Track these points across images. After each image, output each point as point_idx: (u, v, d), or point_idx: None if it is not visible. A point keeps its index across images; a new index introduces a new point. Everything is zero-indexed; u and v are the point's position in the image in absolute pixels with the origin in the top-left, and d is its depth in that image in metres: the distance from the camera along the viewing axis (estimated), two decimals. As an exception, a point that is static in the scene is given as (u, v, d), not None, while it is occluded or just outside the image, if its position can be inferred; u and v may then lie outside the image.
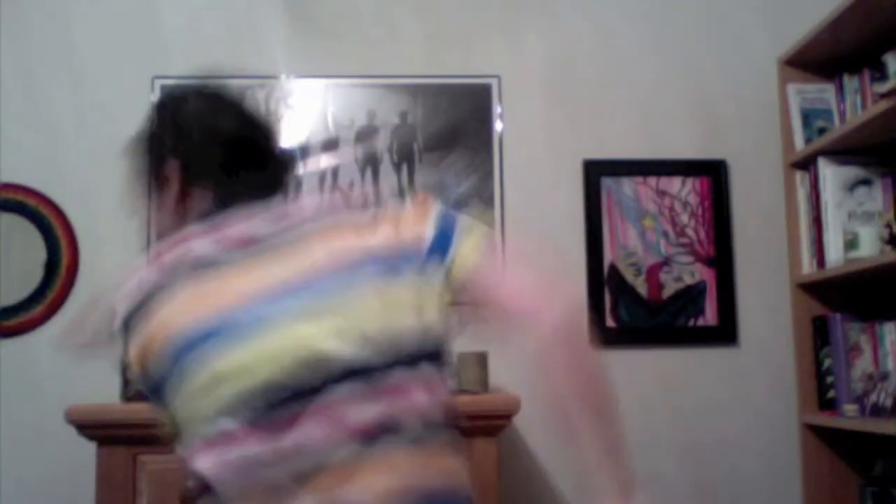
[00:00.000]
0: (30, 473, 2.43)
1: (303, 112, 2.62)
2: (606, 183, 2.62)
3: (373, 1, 2.69)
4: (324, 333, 1.04)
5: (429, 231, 1.14)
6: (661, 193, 2.63)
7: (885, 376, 2.27)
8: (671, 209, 2.63)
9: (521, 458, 2.51)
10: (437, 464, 1.06)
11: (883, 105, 2.14)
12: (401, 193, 2.58)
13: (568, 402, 1.09)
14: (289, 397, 1.02)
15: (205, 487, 1.04)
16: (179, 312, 1.06)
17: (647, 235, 2.61)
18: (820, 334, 2.50)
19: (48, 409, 2.33)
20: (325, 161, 2.60)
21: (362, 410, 1.02)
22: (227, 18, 2.66)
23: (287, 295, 1.06)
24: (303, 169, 2.58)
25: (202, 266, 1.09)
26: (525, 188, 2.62)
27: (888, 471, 2.37)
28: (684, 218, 2.63)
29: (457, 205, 2.58)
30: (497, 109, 2.64)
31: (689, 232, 2.63)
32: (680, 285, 2.60)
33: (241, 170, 1.18)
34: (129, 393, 2.20)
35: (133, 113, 2.59)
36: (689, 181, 2.65)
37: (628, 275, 2.58)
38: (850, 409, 2.31)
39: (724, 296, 2.60)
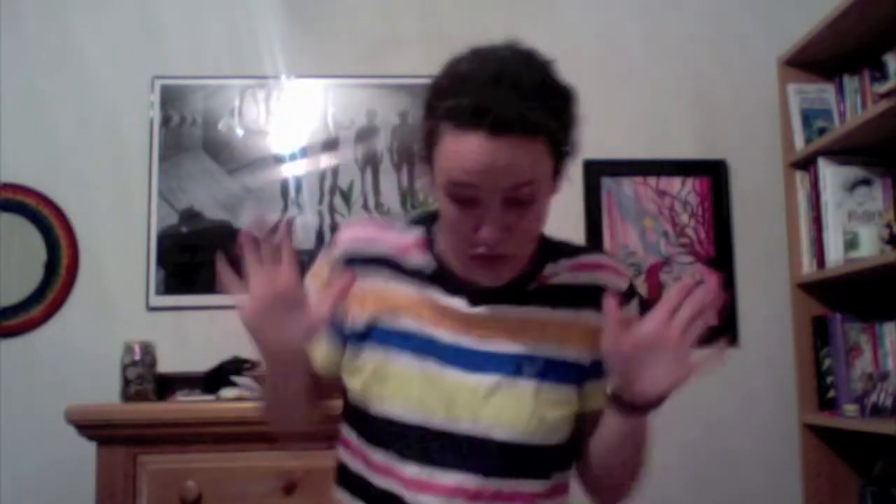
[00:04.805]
0: (30, 473, 2.43)
1: (303, 112, 2.61)
2: (606, 183, 2.62)
3: (373, 1, 2.69)
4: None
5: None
6: (661, 193, 2.63)
7: (885, 376, 2.27)
8: (671, 209, 2.63)
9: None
10: None
11: (883, 105, 2.14)
12: (403, 198, 2.58)
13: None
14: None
15: None
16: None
17: (647, 235, 2.61)
18: (820, 334, 2.50)
19: (48, 409, 2.33)
20: (325, 161, 2.60)
21: None
22: (227, 18, 2.65)
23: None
24: (303, 169, 2.58)
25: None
26: (525, 188, 2.61)
27: (888, 471, 2.37)
28: (684, 218, 2.63)
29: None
30: (497, 109, 2.63)
31: (689, 232, 2.63)
32: (680, 285, 2.59)
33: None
34: (130, 393, 2.20)
35: (133, 113, 2.59)
36: (689, 181, 2.64)
37: (628, 275, 2.58)
38: (850, 409, 2.30)
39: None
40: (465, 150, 1.00)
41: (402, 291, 1.15)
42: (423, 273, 1.15)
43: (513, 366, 1.12)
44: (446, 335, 1.12)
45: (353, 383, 1.17)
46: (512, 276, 1.11)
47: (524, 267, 1.15)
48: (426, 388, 1.11)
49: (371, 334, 1.15)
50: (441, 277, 1.14)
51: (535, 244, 1.14)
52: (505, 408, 1.10)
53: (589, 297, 1.15)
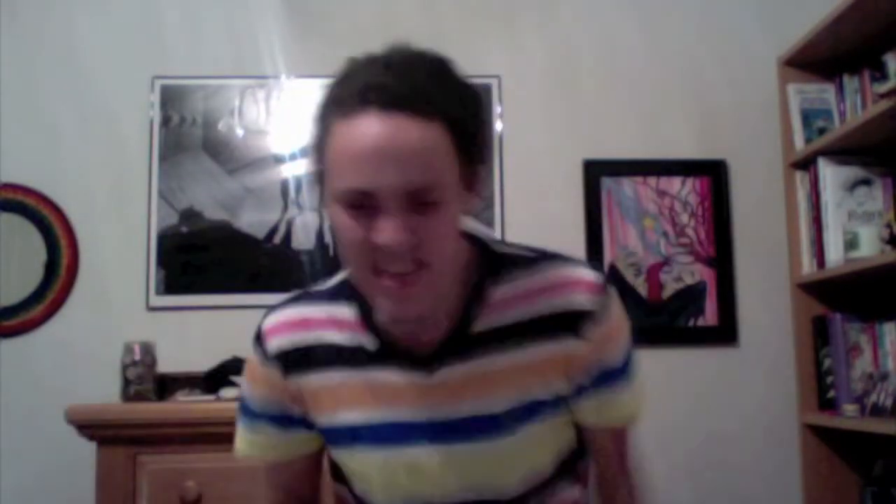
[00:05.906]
0: (30, 473, 2.43)
1: (303, 112, 2.61)
2: (606, 183, 2.62)
3: (373, 1, 2.69)
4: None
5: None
6: (661, 193, 2.63)
7: (885, 376, 2.27)
8: (671, 209, 2.63)
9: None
10: None
11: (883, 105, 2.14)
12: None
13: None
14: None
15: None
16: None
17: (647, 235, 2.61)
18: (820, 334, 2.50)
19: (48, 409, 2.33)
20: (325, 161, 2.59)
21: None
22: (227, 18, 2.65)
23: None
24: (303, 169, 2.58)
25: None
26: (525, 188, 2.62)
27: (888, 471, 2.37)
28: (684, 218, 2.63)
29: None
30: (497, 109, 2.63)
31: (689, 232, 2.63)
32: (680, 285, 2.59)
33: None
34: (130, 393, 2.20)
35: (133, 113, 2.59)
36: (689, 181, 2.64)
37: (628, 275, 2.58)
38: (850, 409, 2.30)
39: (724, 296, 2.60)
40: (354, 135, 0.90)
41: (349, 381, 1.06)
42: (365, 353, 1.05)
43: (484, 425, 1.04)
44: (406, 414, 1.04)
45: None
46: (431, 299, 0.97)
47: (460, 292, 1.03)
48: (409, 478, 1.06)
49: (330, 435, 1.10)
50: (385, 354, 1.04)
51: (452, 260, 0.99)
52: (492, 467, 1.06)
53: (549, 327, 1.03)
